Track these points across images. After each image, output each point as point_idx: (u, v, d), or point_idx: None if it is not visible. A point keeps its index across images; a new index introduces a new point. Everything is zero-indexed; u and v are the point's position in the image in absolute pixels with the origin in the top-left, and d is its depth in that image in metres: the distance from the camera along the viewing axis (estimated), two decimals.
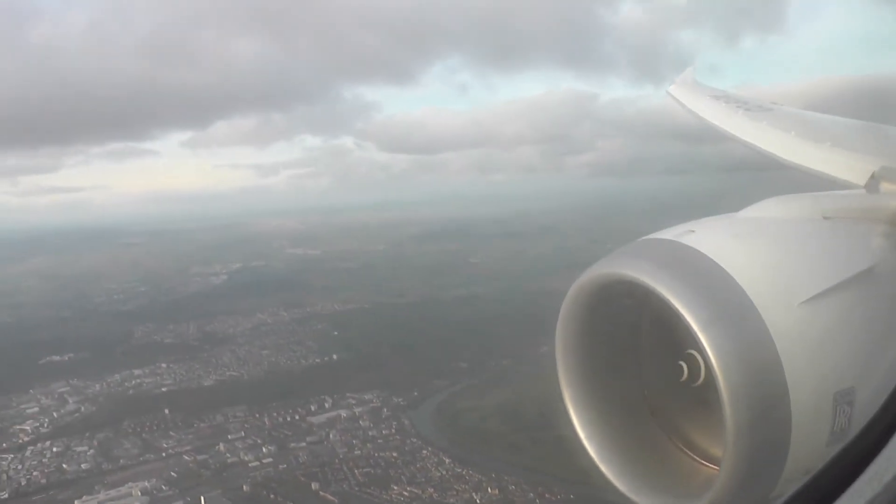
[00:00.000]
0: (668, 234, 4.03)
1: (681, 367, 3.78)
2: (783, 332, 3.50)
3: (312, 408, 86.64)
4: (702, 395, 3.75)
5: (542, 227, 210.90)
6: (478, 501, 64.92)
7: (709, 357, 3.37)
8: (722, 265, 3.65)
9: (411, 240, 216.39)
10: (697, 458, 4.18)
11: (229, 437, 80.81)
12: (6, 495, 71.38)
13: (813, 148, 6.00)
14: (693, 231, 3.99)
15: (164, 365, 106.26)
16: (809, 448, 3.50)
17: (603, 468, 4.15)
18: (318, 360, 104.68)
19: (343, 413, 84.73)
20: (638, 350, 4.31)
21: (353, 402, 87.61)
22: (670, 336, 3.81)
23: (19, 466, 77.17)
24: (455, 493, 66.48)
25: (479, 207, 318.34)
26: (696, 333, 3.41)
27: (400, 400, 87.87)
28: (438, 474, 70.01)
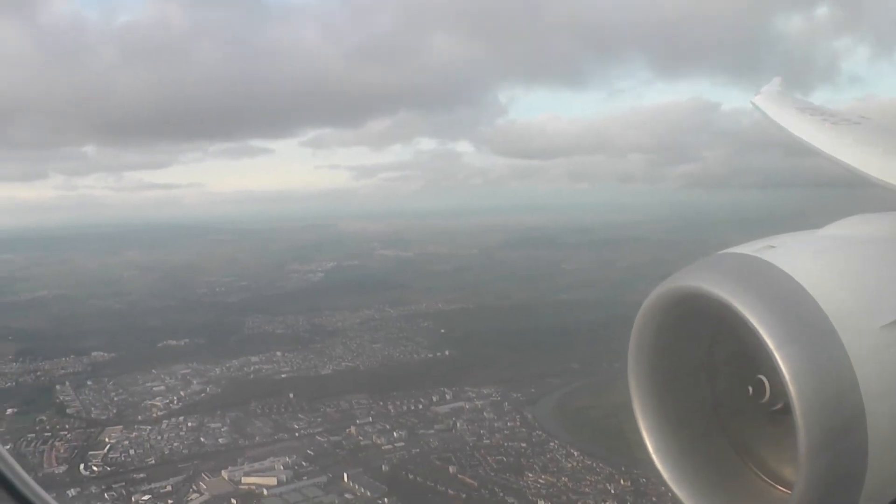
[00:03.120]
0: (746, 248, 3.99)
1: (757, 384, 3.75)
2: (862, 356, 3.40)
3: (434, 398, 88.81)
4: (776, 415, 3.74)
5: (631, 237, 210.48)
6: (612, 491, 66.11)
7: (784, 377, 3.33)
8: (801, 283, 3.59)
9: (502, 245, 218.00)
10: (768, 480, 4.10)
11: (357, 421, 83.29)
12: (153, 461, 75.05)
13: None
14: (773, 247, 3.95)
15: (278, 353, 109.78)
16: (887, 477, 3.43)
17: (670, 482, 4.17)
18: (430, 356, 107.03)
19: (465, 405, 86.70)
20: (711, 365, 4.24)
21: (473, 395, 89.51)
22: (745, 353, 3.75)
23: (159, 437, 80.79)
24: (588, 483, 67.75)
25: (567, 216, 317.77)
26: (771, 352, 3.36)
27: (518, 395, 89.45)
28: (569, 465, 71.39)
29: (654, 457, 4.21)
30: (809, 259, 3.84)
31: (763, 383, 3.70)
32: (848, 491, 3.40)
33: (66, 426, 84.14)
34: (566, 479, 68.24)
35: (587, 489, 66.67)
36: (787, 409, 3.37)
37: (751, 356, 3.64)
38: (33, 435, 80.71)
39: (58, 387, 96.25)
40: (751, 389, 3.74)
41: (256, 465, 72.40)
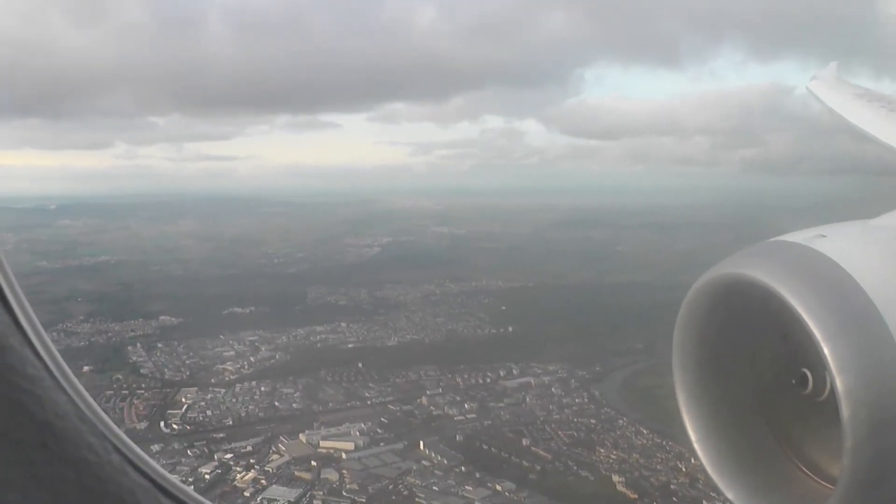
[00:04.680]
0: (797, 237, 3.92)
1: (802, 377, 3.75)
2: None
3: (501, 373, 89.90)
4: (822, 408, 3.69)
5: (683, 221, 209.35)
6: (683, 470, 66.82)
7: (830, 369, 3.29)
8: (852, 273, 3.52)
9: (555, 225, 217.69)
10: (811, 474, 4.05)
11: (428, 392, 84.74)
12: (230, 422, 77.23)
13: None
14: (824, 236, 3.87)
15: (343, 324, 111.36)
16: None
17: (712, 473, 4.18)
18: (493, 331, 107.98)
19: (532, 380, 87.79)
20: (757, 355, 4.20)
21: (539, 371, 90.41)
22: (792, 343, 3.74)
23: (233, 400, 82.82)
24: (660, 460, 68.54)
25: (620, 198, 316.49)
26: (819, 344, 3.32)
27: (584, 373, 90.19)
28: (639, 442, 72.20)
29: (695, 446, 4.24)
30: (861, 249, 3.78)
31: (813, 375, 3.69)
32: (893, 488, 3.38)
33: (143, 385, 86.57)
34: (637, 456, 69.10)
35: (659, 466, 67.49)
36: (833, 402, 3.34)
37: (798, 346, 3.65)
38: (111, 392, 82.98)
39: (129, 348, 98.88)
40: (800, 380, 3.74)
41: (333, 430, 74.08)
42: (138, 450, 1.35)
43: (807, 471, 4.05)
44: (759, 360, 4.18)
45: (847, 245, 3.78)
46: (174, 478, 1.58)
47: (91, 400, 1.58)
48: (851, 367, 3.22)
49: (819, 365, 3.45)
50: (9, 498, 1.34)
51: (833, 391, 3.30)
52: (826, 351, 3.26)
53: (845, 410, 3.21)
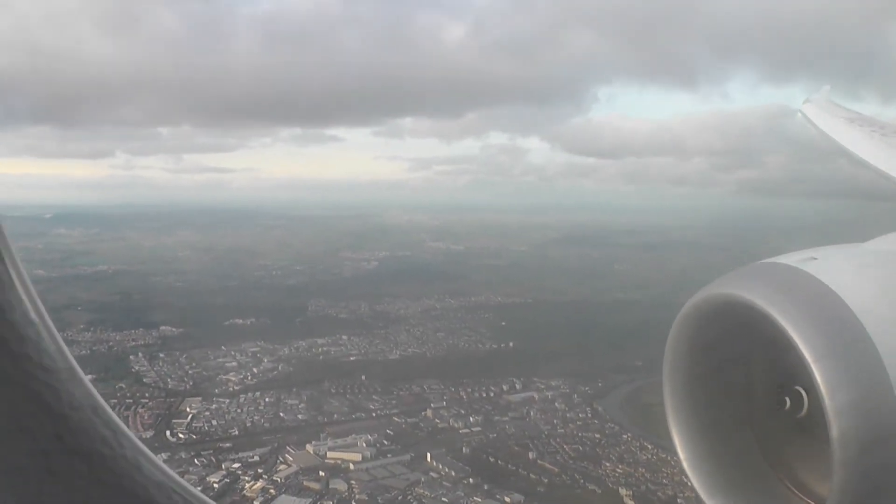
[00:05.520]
0: (788, 259, 3.95)
1: (794, 395, 3.76)
2: None
3: (505, 387, 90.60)
4: (811, 428, 3.73)
5: (679, 241, 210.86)
6: (689, 484, 67.09)
7: (820, 390, 3.32)
8: (841, 296, 3.55)
9: (552, 242, 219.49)
10: (799, 494, 4.07)
11: (432, 405, 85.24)
12: (236, 432, 77.51)
13: None
14: (815, 258, 3.90)
15: (344, 337, 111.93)
16: None
17: (701, 492, 4.20)
18: (495, 346, 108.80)
19: (535, 395, 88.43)
20: (747, 375, 4.22)
21: (542, 386, 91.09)
22: (782, 364, 3.75)
23: (238, 410, 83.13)
24: (665, 475, 69.08)
25: (613, 216, 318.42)
26: (808, 365, 3.35)
27: (587, 389, 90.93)
28: (644, 457, 72.86)
29: (685, 465, 4.30)
30: (851, 272, 3.80)
31: (800, 395, 3.72)
32: None
33: (147, 395, 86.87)
34: (643, 470, 69.74)
35: (665, 480, 68.05)
36: (822, 422, 3.37)
37: (788, 367, 3.66)
38: (115, 400, 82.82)
39: (131, 357, 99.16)
40: (787, 401, 3.77)
41: (339, 441, 74.54)
42: (146, 449, 1.53)
43: (796, 490, 4.09)
44: (749, 380, 4.21)
45: (837, 268, 3.82)
46: (183, 479, 1.58)
47: (100, 397, 1.54)
48: (840, 388, 3.28)
49: (809, 385, 3.52)
50: (23, 490, 1.33)
51: (822, 411, 3.36)
52: (815, 371, 3.32)
53: (835, 430, 3.26)
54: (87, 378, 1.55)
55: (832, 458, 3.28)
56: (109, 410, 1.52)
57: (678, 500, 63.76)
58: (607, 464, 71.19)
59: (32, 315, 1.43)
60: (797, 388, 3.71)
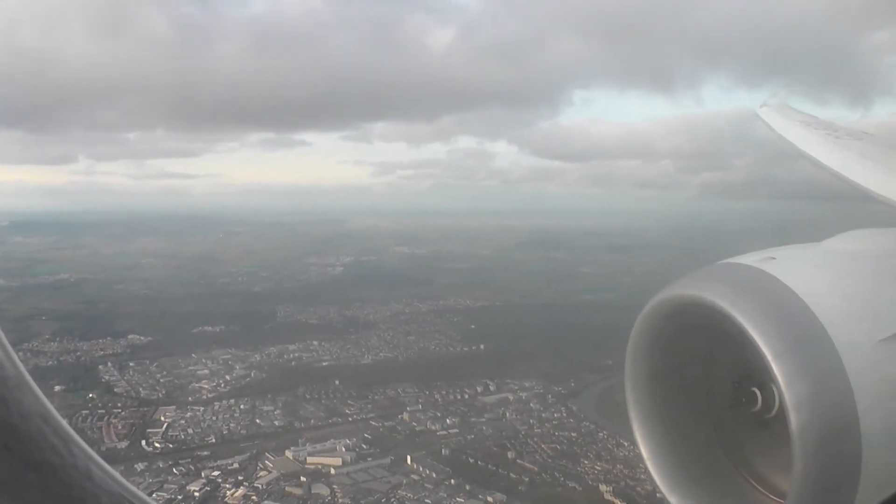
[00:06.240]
0: (747, 259, 4.05)
1: (752, 395, 3.86)
2: (859, 369, 3.45)
3: (479, 389, 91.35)
4: (771, 424, 3.83)
5: (643, 243, 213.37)
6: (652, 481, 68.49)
7: (779, 386, 3.42)
8: (799, 294, 3.65)
9: (517, 246, 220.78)
10: (760, 489, 4.18)
11: (408, 408, 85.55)
12: (213, 440, 77.17)
13: None
14: (773, 258, 4.01)
15: (315, 342, 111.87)
16: (880, 485, 3.44)
17: (663, 488, 4.33)
18: (465, 349, 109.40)
19: (510, 396, 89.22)
20: (709, 374, 4.34)
21: (516, 387, 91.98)
22: (742, 363, 3.86)
23: (214, 418, 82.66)
24: (642, 470, 69.52)
25: (578, 219, 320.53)
26: (768, 363, 3.44)
27: (560, 389, 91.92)
28: (621, 454, 73.72)
29: (648, 464, 4.40)
30: (809, 271, 3.93)
31: (763, 393, 3.82)
32: (841, 499, 3.49)
33: (119, 404, 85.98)
34: (621, 467, 70.71)
35: (643, 476, 68.84)
36: (781, 418, 3.48)
37: (748, 365, 3.77)
38: (87, 411, 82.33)
39: (100, 367, 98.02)
40: (758, 397, 3.84)
41: (319, 446, 74.63)
42: (98, 458, 1.52)
43: (756, 485, 4.21)
44: (709, 378, 4.33)
45: (795, 267, 3.95)
46: (135, 488, 1.55)
47: (50, 405, 1.52)
48: (800, 382, 3.39)
49: (768, 383, 3.65)
50: None
51: (781, 408, 3.47)
52: (775, 368, 3.43)
53: (794, 423, 3.37)
54: (36, 385, 1.48)
55: (792, 452, 3.42)
56: (60, 418, 1.43)
57: (657, 495, 64.66)
58: (585, 461, 72.18)
59: None
60: (753, 388, 3.85)
